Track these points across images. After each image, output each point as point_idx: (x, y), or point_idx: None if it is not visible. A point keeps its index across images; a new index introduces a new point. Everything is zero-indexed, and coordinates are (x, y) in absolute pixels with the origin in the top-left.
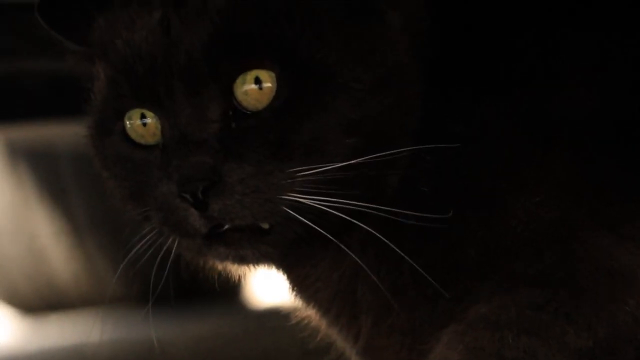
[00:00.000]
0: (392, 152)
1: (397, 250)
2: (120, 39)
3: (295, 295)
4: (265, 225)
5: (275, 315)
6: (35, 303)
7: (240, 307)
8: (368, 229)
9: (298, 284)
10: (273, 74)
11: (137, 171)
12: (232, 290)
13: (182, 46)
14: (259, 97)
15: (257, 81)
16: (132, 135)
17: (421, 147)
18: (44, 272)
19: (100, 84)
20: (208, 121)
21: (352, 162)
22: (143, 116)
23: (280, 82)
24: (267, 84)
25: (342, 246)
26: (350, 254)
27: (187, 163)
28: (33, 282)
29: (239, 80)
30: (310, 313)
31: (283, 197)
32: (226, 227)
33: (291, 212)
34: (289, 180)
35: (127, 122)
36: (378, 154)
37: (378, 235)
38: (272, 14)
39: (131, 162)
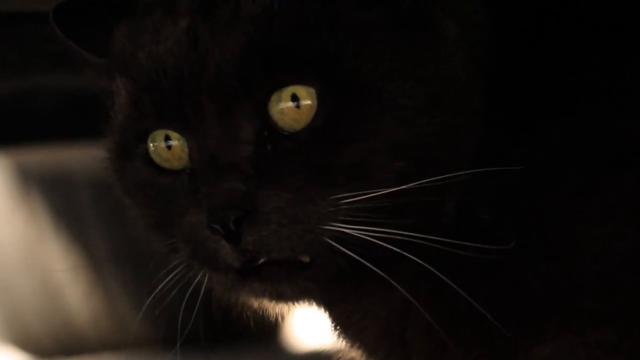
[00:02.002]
0: (446, 176)
1: (453, 285)
2: (142, 51)
3: (338, 335)
4: (305, 259)
5: (316, 358)
6: (50, 346)
7: (277, 349)
8: (420, 261)
9: (341, 322)
10: (313, 91)
11: (163, 199)
12: (268, 330)
13: (211, 60)
14: (297, 116)
15: (295, 98)
16: (156, 159)
17: (479, 170)
18: (59, 312)
19: (121, 102)
20: (240, 143)
21: (402, 188)
22: (168, 138)
23: (320, 99)
24: (305, 102)
25: (391, 281)
26: (400, 289)
27: (218, 190)
28: (47, 323)
29: (274, 98)
30: (355, 355)
31: (325, 227)
32: (261, 260)
33: (334, 243)
34: (332, 209)
35: (151, 145)
36: (431, 179)
37: (431, 268)
38: (312, 23)
39: (155, 188)
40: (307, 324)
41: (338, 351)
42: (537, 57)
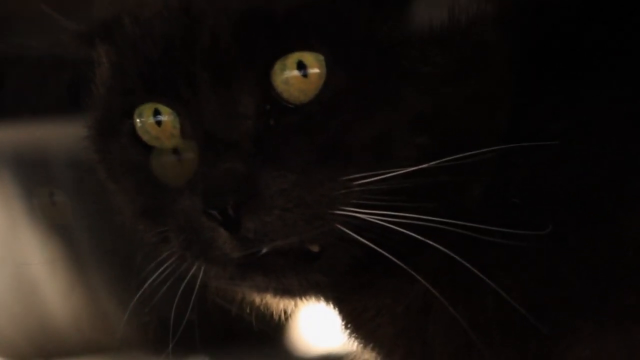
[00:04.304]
0: (474, 153)
1: (481, 275)
2: (127, 15)
3: (350, 335)
4: (315, 248)
5: None
6: (26, 349)
7: (282, 350)
8: (444, 249)
9: (354, 319)
10: (321, 57)
11: (152, 182)
12: (273, 330)
13: (206, 25)
14: (304, 87)
15: (301, 66)
16: (145, 136)
17: (511, 146)
18: (35, 310)
19: (103, 73)
20: (240, 118)
21: (424, 166)
22: (157, 112)
23: (330, 67)
24: (313, 70)
25: (411, 271)
26: (421, 280)
27: (214, 171)
28: (22, 323)
29: (277, 66)
30: (369, 356)
31: (336, 212)
32: (264, 250)
33: (347, 230)
34: (344, 191)
35: (138, 120)
36: (456, 156)
37: (456, 257)
38: None
39: (144, 170)
40: (315, 322)
41: (349, 353)
42: (577, 23)
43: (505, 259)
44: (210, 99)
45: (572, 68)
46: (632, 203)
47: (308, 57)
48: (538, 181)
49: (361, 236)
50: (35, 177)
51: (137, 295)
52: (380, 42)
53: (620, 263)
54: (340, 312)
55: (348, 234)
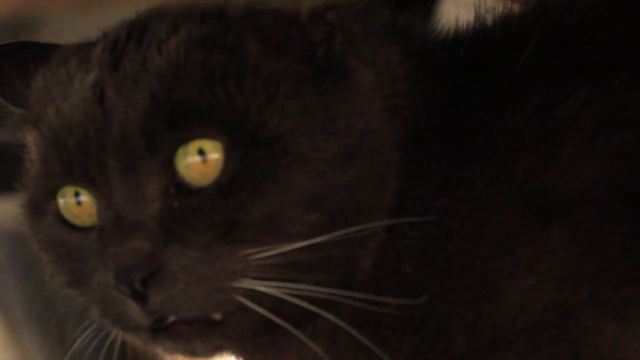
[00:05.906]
0: (361, 227)
1: (366, 342)
2: (52, 106)
3: None
4: (217, 316)
5: None
6: None
7: None
8: (334, 319)
9: None
10: (219, 145)
11: (74, 258)
12: None
13: (116, 116)
14: (204, 171)
15: (201, 153)
16: (67, 215)
17: (399, 221)
18: None
19: (32, 157)
20: (146, 201)
21: (315, 241)
22: (77, 194)
23: (228, 153)
24: (212, 156)
25: (302, 337)
26: (313, 347)
27: (123, 250)
28: None
29: (180, 153)
30: None
31: (235, 284)
32: (171, 319)
33: (245, 301)
34: (241, 265)
35: (61, 201)
36: (344, 231)
37: (345, 326)
38: (218, 76)
39: (66, 247)
40: None
41: None
42: (457, 107)
43: (398, 324)
44: (120, 184)
45: (455, 151)
46: (512, 271)
47: (207, 144)
48: (427, 251)
49: (260, 305)
50: None
51: (69, 355)
52: (271, 131)
53: (501, 325)
54: None
55: (247, 304)
